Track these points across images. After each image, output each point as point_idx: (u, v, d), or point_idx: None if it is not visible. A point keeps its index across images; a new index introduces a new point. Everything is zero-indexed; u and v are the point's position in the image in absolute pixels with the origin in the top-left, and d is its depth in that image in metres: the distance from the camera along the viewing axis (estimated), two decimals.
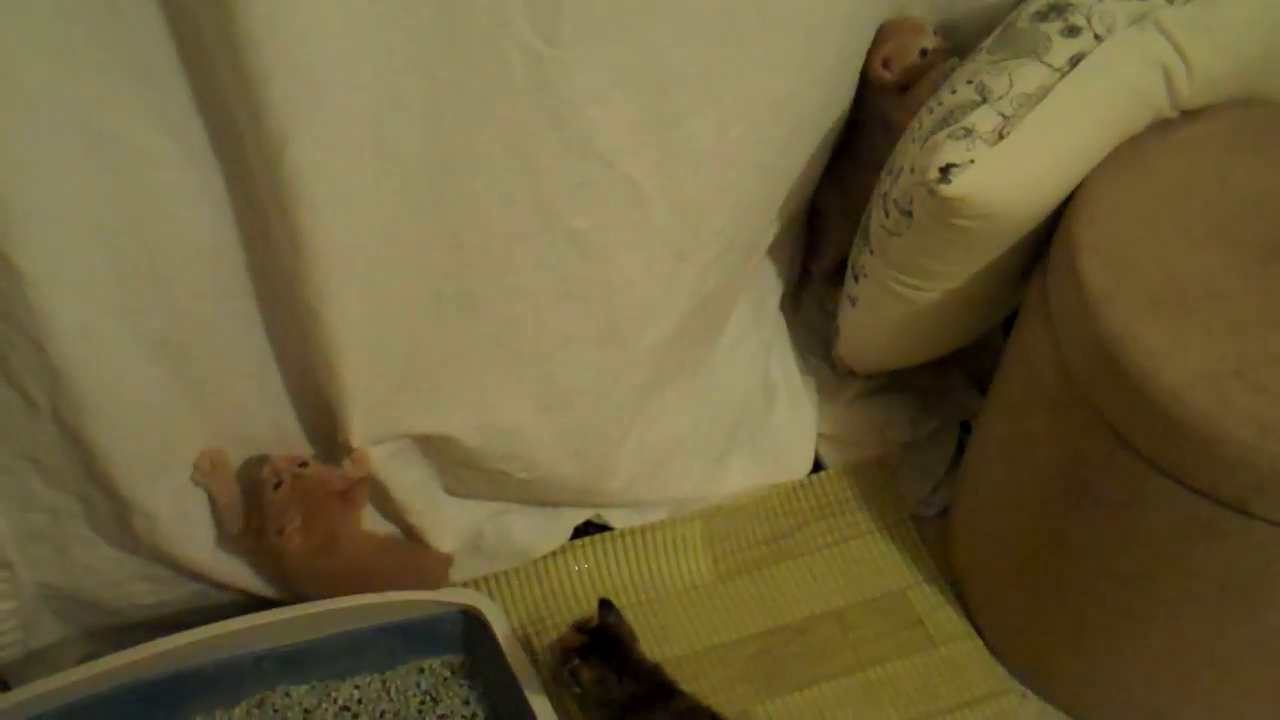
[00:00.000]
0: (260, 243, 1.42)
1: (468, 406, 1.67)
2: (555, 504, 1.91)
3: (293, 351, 1.55)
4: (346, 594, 1.69)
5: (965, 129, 1.50)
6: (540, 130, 1.41)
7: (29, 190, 1.25)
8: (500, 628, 1.69)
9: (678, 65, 1.43)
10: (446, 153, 1.40)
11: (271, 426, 1.65)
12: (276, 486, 1.61)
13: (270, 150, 1.28)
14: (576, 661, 1.64)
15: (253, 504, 1.65)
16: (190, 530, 1.66)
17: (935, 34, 1.78)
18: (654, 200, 1.54)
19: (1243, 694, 1.63)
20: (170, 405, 1.53)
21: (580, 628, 1.70)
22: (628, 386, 1.75)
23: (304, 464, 1.63)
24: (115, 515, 1.58)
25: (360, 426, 1.60)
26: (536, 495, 1.87)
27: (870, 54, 1.76)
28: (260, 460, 1.64)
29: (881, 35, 1.75)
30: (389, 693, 1.75)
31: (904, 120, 1.68)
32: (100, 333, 1.40)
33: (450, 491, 1.83)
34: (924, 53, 1.75)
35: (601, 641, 1.68)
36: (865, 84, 1.79)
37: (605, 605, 1.72)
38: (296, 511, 1.61)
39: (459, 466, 1.77)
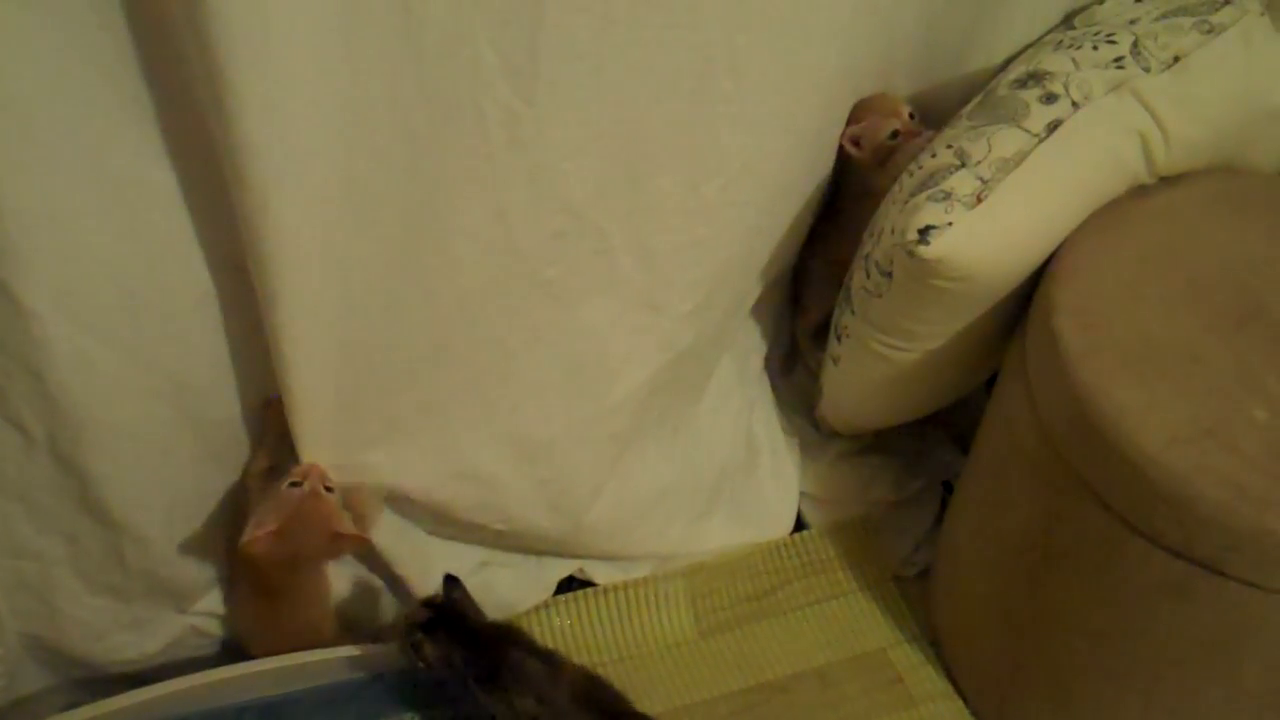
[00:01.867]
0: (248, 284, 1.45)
1: (439, 455, 1.69)
2: (537, 553, 1.92)
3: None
4: (269, 621, 1.72)
5: (944, 192, 1.53)
6: (517, 185, 1.44)
7: (34, 225, 1.28)
8: None
9: (649, 121, 1.46)
10: (424, 208, 1.43)
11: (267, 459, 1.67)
12: (293, 484, 1.60)
13: (253, 204, 1.31)
14: (420, 636, 1.63)
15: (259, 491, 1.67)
16: (181, 554, 1.68)
17: (911, 113, 1.81)
18: (620, 249, 1.57)
19: None
20: (167, 433, 1.55)
21: (427, 603, 1.68)
22: (602, 436, 1.76)
23: (330, 488, 1.62)
24: (106, 550, 1.59)
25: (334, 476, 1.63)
26: (516, 545, 1.88)
27: (842, 131, 1.79)
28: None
29: (855, 114, 1.79)
30: None
31: (884, 186, 1.70)
32: (99, 362, 1.42)
33: (432, 533, 1.84)
34: (895, 134, 1.78)
35: (446, 617, 1.67)
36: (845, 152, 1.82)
37: (449, 580, 1.71)
38: (280, 518, 1.58)
39: (433, 521, 1.78)
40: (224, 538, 1.73)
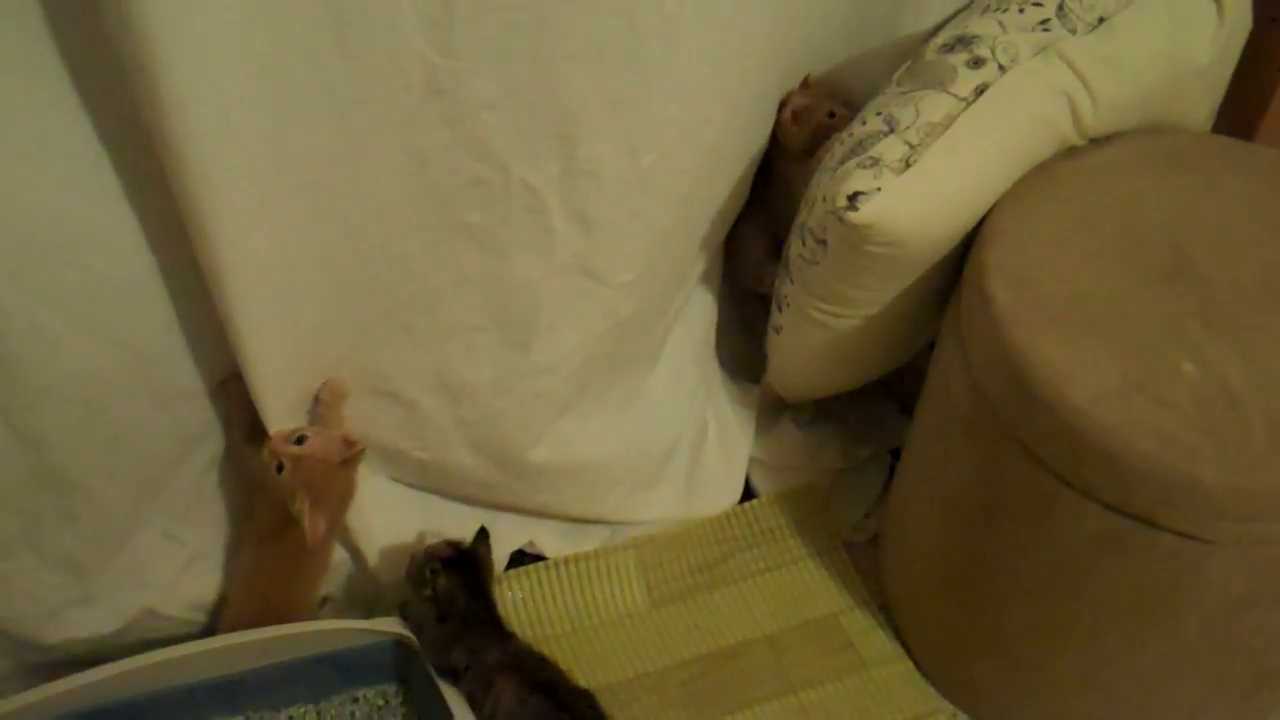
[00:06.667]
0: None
1: (361, 371, 1.70)
2: (471, 501, 1.94)
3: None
4: (283, 591, 1.76)
5: (873, 158, 1.54)
6: (433, 128, 1.45)
7: None
8: None
9: (578, 88, 1.47)
10: (344, 152, 1.44)
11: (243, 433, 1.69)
12: (279, 469, 1.63)
13: (177, 162, 1.33)
14: (438, 566, 1.70)
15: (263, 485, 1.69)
16: (144, 529, 1.70)
17: (844, 104, 1.83)
18: (556, 211, 1.57)
19: (1166, 706, 1.67)
20: (128, 404, 1.56)
21: (452, 544, 1.75)
22: (531, 393, 1.77)
23: (300, 438, 1.64)
24: (62, 521, 1.60)
25: (275, 414, 1.65)
26: (448, 485, 1.90)
27: (781, 107, 1.81)
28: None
29: (789, 99, 1.81)
30: None
31: (801, 183, 1.74)
32: (54, 333, 1.43)
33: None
34: (831, 114, 1.80)
35: (466, 562, 1.74)
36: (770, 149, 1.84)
37: (482, 533, 1.79)
38: (304, 496, 1.62)
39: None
40: (227, 509, 1.77)
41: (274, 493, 1.66)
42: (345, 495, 1.73)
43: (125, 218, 1.42)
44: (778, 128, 1.83)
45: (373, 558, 1.86)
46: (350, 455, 1.67)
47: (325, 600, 1.87)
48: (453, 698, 1.65)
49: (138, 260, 1.46)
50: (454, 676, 1.68)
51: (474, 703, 1.66)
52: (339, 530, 1.81)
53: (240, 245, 1.42)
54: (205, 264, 1.43)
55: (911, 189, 1.52)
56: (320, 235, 1.50)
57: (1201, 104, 1.74)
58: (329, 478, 1.66)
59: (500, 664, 1.68)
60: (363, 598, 1.92)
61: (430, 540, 1.79)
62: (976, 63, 1.58)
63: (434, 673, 1.68)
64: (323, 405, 1.68)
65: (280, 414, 1.65)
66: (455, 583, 1.71)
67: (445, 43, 1.38)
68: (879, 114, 1.60)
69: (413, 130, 1.45)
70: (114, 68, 1.27)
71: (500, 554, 1.95)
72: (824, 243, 1.62)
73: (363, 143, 1.44)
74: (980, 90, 1.56)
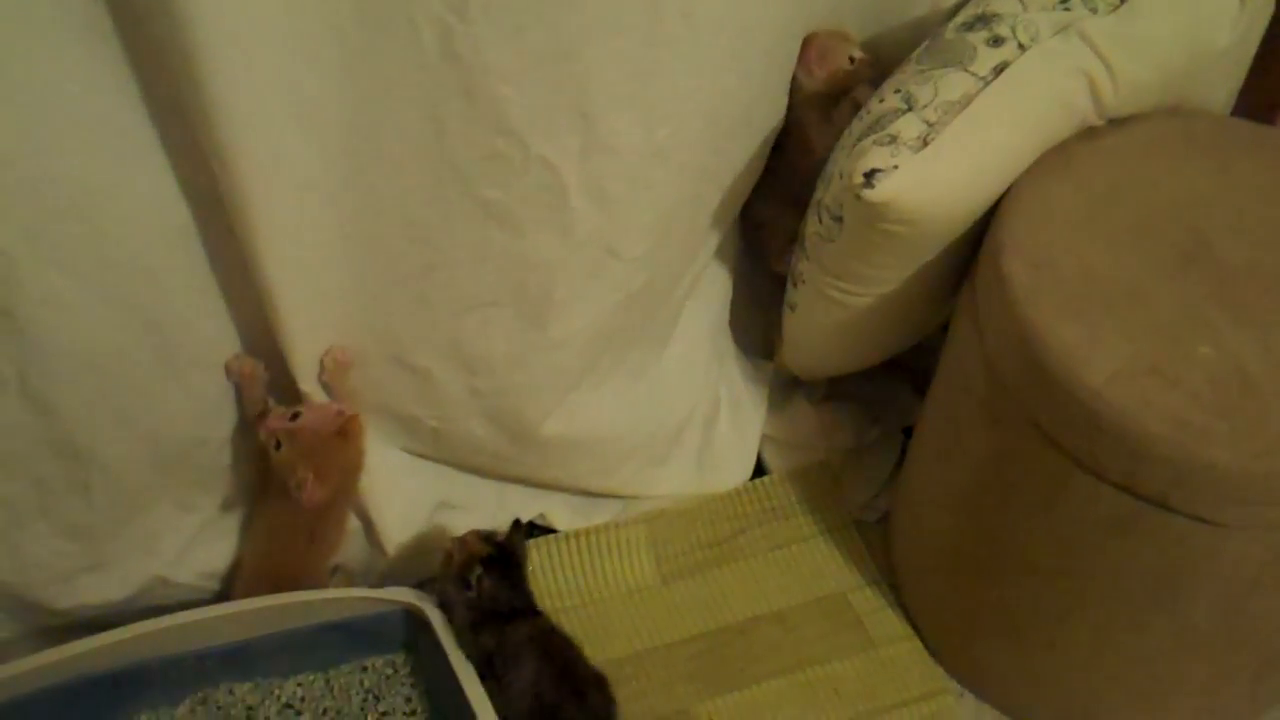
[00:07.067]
0: (208, 204, 1.47)
1: (377, 339, 1.71)
2: (483, 473, 1.94)
3: (246, 306, 1.61)
4: (296, 560, 1.77)
5: (890, 135, 1.54)
6: (450, 98, 1.44)
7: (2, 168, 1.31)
8: (442, 627, 1.70)
9: (597, 61, 1.46)
10: (361, 110, 1.44)
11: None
12: (277, 446, 1.65)
13: (207, 109, 1.34)
14: (480, 570, 1.70)
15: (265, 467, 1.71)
16: (150, 484, 1.70)
17: (864, 51, 1.81)
18: (573, 187, 1.57)
19: (1171, 687, 1.67)
20: (141, 373, 1.56)
21: (486, 538, 1.75)
22: (546, 367, 1.77)
23: (295, 415, 1.66)
24: (74, 488, 1.60)
25: (306, 374, 1.68)
26: (454, 453, 1.90)
27: (800, 55, 1.78)
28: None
29: (810, 39, 1.78)
30: (332, 691, 1.76)
31: (824, 145, 1.73)
32: (68, 299, 1.44)
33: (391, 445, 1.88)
34: (852, 59, 1.79)
35: (504, 557, 1.74)
36: (790, 103, 1.81)
37: (517, 525, 1.79)
38: (306, 467, 1.64)
39: (378, 411, 1.80)
40: (240, 479, 1.79)
41: (275, 471, 1.67)
42: (350, 467, 1.74)
43: (140, 181, 1.42)
44: (798, 67, 1.79)
45: (384, 528, 1.86)
46: (344, 425, 1.67)
47: (335, 569, 1.87)
48: (461, 667, 1.65)
49: (152, 225, 1.46)
50: (485, 657, 1.69)
51: (498, 677, 1.67)
52: (351, 500, 1.81)
53: (261, 195, 1.43)
54: (233, 214, 1.45)
55: (929, 167, 1.52)
56: (336, 189, 1.51)
57: (1221, 87, 1.73)
58: (327, 448, 1.67)
59: (526, 639, 1.70)
60: (373, 567, 1.92)
61: (455, 535, 1.78)
62: (996, 41, 1.57)
63: (444, 642, 1.68)
64: (326, 373, 1.69)
65: (312, 374, 1.68)
66: (497, 582, 1.72)
67: (460, 5, 1.37)
68: (897, 91, 1.59)
69: (431, 98, 1.44)
70: (132, 23, 1.28)
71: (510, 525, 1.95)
72: (840, 220, 1.62)
73: (379, 99, 1.44)
74: (1000, 69, 1.55)
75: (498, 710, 1.61)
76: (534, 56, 1.43)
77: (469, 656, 1.69)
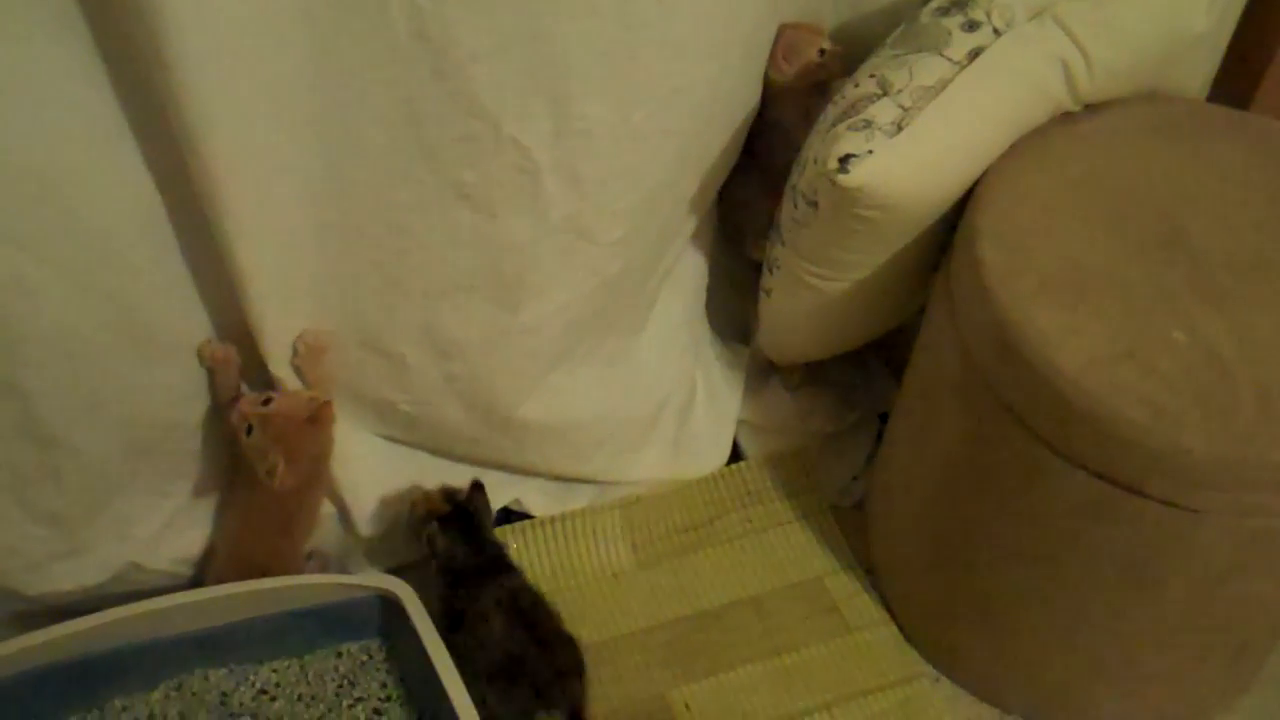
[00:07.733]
0: (178, 188, 1.46)
1: (347, 323, 1.70)
2: (454, 456, 1.94)
3: (218, 291, 1.60)
4: (269, 547, 1.77)
5: (865, 120, 1.53)
6: (422, 79, 1.44)
7: None
8: (417, 613, 1.70)
9: (569, 43, 1.45)
10: (331, 92, 1.44)
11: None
12: (249, 432, 1.64)
13: (176, 92, 1.33)
14: (435, 527, 1.74)
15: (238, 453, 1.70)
16: (122, 471, 1.69)
17: (835, 42, 1.81)
18: (545, 170, 1.56)
19: (1147, 673, 1.67)
20: (111, 357, 1.55)
21: (448, 496, 1.78)
22: (520, 351, 1.77)
23: (268, 400, 1.65)
24: (45, 473, 1.60)
25: (273, 349, 1.67)
26: (429, 438, 1.90)
27: (770, 50, 1.79)
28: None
29: (781, 34, 1.78)
30: (307, 677, 1.76)
31: (800, 134, 1.72)
32: (35, 282, 1.43)
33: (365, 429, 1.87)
34: (821, 52, 1.79)
35: (462, 516, 1.77)
36: (765, 92, 1.82)
37: (476, 487, 1.81)
38: (277, 453, 1.63)
39: (349, 396, 1.80)
40: (213, 465, 1.78)
41: (246, 456, 1.66)
42: (320, 453, 1.74)
43: (109, 164, 1.41)
44: (769, 71, 1.80)
45: (358, 513, 1.86)
46: (316, 411, 1.67)
47: (311, 554, 1.87)
48: (436, 653, 1.64)
49: (122, 210, 1.45)
50: (458, 616, 1.72)
51: (471, 635, 1.69)
52: (324, 486, 1.81)
53: (231, 178, 1.43)
54: (203, 197, 1.44)
55: (903, 152, 1.51)
56: (306, 171, 1.50)
57: (1197, 72, 1.73)
58: (299, 434, 1.66)
59: (496, 599, 1.72)
60: (348, 553, 1.92)
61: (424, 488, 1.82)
62: (971, 26, 1.57)
63: (419, 628, 1.68)
64: (299, 358, 1.68)
65: (284, 359, 1.67)
66: (453, 540, 1.75)
67: None
68: (872, 76, 1.59)
69: (402, 79, 1.43)
70: (100, 6, 1.28)
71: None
72: (815, 205, 1.61)
73: (349, 80, 1.43)
74: (975, 54, 1.55)
75: (469, 665, 1.63)
76: (505, 37, 1.42)
77: (445, 612, 1.72)
